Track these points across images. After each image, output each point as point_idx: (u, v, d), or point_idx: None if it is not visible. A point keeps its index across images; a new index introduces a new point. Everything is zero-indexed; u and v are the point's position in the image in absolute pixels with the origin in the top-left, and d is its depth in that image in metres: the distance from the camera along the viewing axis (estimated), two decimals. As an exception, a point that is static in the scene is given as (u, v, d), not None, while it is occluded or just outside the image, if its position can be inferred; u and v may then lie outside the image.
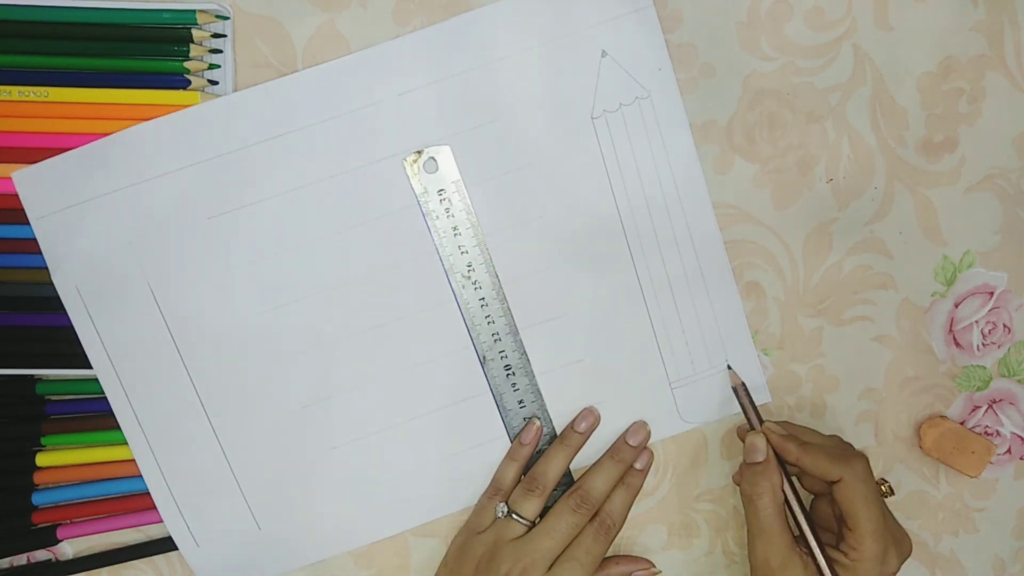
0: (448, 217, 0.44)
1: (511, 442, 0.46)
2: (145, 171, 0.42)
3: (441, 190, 0.44)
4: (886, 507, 0.43)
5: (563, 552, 0.43)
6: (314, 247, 0.44)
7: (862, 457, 0.42)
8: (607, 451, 0.46)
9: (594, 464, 0.46)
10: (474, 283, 0.45)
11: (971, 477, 0.48)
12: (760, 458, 0.43)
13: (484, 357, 0.45)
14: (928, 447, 0.48)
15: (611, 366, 0.46)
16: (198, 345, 0.44)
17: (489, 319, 0.45)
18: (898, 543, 0.42)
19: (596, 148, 0.44)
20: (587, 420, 0.46)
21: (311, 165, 0.43)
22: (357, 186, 0.43)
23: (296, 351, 0.44)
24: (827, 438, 0.45)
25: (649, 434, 0.47)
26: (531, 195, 0.44)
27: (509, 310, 0.45)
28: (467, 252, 0.44)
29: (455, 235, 0.44)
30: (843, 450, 0.43)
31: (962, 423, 0.49)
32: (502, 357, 0.45)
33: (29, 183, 0.42)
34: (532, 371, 0.46)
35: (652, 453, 0.47)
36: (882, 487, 0.47)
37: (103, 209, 0.43)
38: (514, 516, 0.44)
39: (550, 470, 0.45)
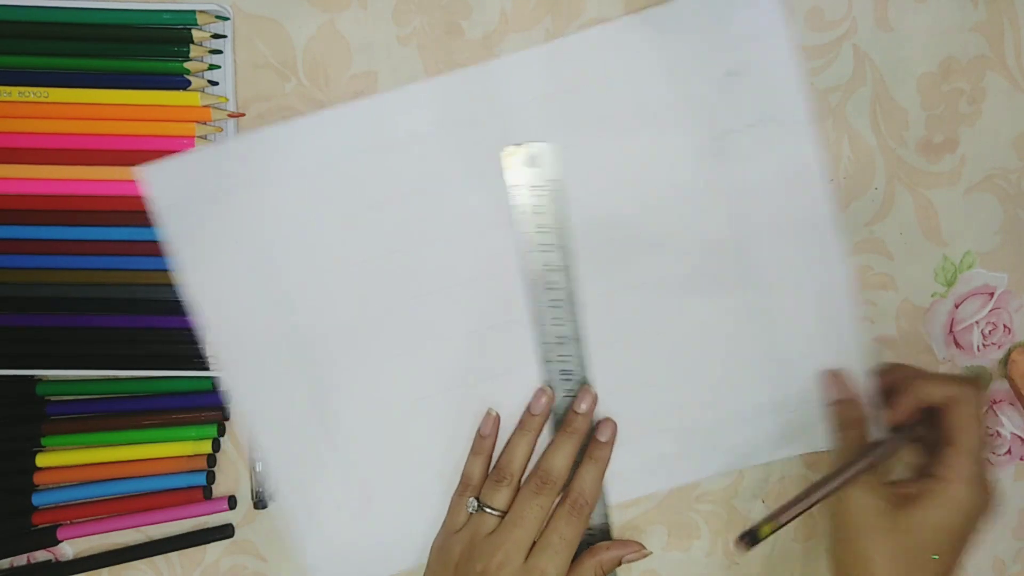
0: (536, 215, 0.44)
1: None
2: (279, 170, 0.43)
3: (536, 186, 0.44)
4: None
5: (538, 540, 0.42)
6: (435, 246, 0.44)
7: (976, 384, 0.42)
8: (560, 426, 0.45)
9: (549, 443, 0.45)
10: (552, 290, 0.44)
11: None
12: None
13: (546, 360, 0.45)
14: (1017, 375, 0.47)
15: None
16: (321, 340, 0.44)
17: (561, 338, 0.45)
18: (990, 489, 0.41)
19: (713, 168, 0.44)
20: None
21: (435, 170, 0.44)
22: (454, 190, 0.44)
23: (410, 345, 0.45)
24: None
25: (595, 398, 0.45)
26: (637, 212, 0.44)
27: (580, 323, 0.45)
28: (550, 252, 0.44)
29: (539, 232, 0.44)
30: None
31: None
32: (565, 372, 0.45)
33: (158, 176, 0.42)
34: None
35: (614, 423, 0.45)
36: None
37: (233, 206, 0.43)
38: (486, 509, 0.43)
39: (515, 458, 0.44)
